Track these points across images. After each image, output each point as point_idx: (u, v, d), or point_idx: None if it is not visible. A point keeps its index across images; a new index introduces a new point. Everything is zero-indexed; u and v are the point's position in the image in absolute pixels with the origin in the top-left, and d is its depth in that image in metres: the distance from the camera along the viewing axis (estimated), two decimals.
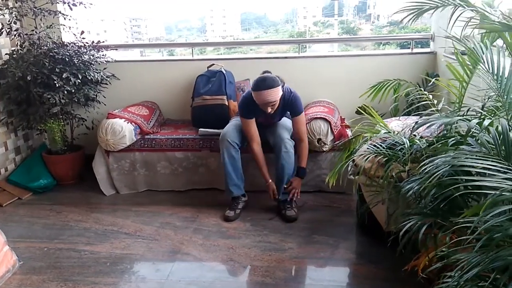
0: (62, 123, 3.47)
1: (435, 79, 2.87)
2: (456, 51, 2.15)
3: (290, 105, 2.86)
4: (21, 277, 2.33)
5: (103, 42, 3.53)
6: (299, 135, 2.96)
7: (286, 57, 3.75)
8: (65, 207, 3.18)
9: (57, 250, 2.60)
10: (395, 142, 2.03)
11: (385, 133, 2.08)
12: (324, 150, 3.09)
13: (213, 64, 3.58)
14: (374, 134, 2.16)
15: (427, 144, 1.80)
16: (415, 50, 3.57)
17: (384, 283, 2.20)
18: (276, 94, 2.71)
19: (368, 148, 2.17)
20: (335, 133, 3.08)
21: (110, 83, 3.57)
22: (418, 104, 2.96)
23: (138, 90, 3.81)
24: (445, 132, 1.94)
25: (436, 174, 1.42)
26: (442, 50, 3.34)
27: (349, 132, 3.19)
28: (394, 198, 2.23)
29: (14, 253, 2.44)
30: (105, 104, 3.66)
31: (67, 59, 3.24)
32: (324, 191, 3.21)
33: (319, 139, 3.05)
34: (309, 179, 3.18)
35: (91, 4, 3.36)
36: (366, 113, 3.36)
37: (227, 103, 3.37)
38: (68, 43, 3.39)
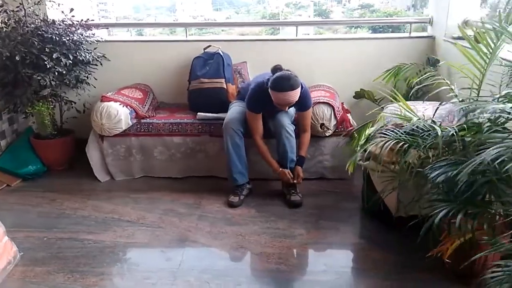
0: (52, 106, 3.30)
1: (444, 63, 2.86)
2: (466, 36, 2.13)
3: (301, 100, 2.77)
4: (24, 269, 2.23)
5: (89, 20, 3.33)
6: (303, 127, 2.93)
7: (284, 40, 3.67)
8: (59, 194, 3.05)
9: (58, 239, 2.50)
10: (416, 128, 2.02)
11: (417, 120, 2.05)
12: (327, 135, 3.07)
13: (210, 46, 3.47)
14: (405, 121, 2.14)
15: (457, 130, 1.78)
16: (413, 34, 3.57)
17: (399, 268, 2.21)
18: (297, 95, 2.64)
19: (384, 134, 2.16)
20: (338, 118, 3.06)
21: (101, 64, 3.40)
22: (417, 88, 2.97)
23: (130, 71, 3.66)
24: (468, 118, 1.94)
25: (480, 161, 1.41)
26: (441, 35, 3.35)
27: (349, 117, 3.18)
28: (408, 184, 2.24)
29: (14, 243, 2.32)
30: (94, 86, 3.48)
31: (56, 38, 3.06)
32: (325, 178, 3.21)
33: (322, 124, 3.03)
34: (311, 165, 3.16)
35: None
36: (366, 97, 3.38)
37: (225, 87, 3.28)
38: (57, 21, 3.19)
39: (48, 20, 3.19)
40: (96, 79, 3.45)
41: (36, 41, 2.97)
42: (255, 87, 2.81)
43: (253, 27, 4.51)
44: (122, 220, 2.70)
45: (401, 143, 2.00)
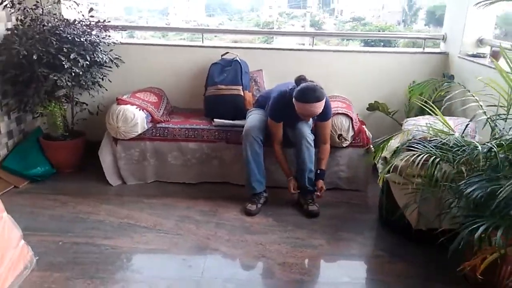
0: (65, 107, 3.24)
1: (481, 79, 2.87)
2: (497, 64, 2.14)
3: (324, 111, 2.75)
4: (41, 274, 2.16)
5: (106, 21, 3.29)
6: (324, 137, 2.93)
7: (300, 49, 3.68)
8: (71, 197, 2.98)
9: (74, 244, 2.44)
10: (446, 142, 2.03)
11: (450, 134, 2.05)
12: (344, 146, 3.07)
13: (227, 53, 3.46)
14: (439, 134, 2.14)
15: (495, 146, 1.79)
16: (426, 50, 3.60)
17: (422, 281, 2.21)
18: (322, 107, 2.65)
19: (412, 147, 2.17)
20: (355, 129, 3.06)
21: (118, 65, 3.35)
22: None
23: (143, 75, 3.62)
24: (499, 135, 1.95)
25: None
26: (455, 51, 3.39)
27: (365, 129, 3.18)
28: (430, 198, 2.25)
29: (29, 247, 2.26)
30: (106, 89, 3.44)
31: (75, 39, 3.01)
32: (340, 188, 3.20)
33: (340, 135, 3.02)
34: (326, 175, 3.14)
35: None
36: (380, 109, 3.39)
37: (242, 94, 3.27)
38: (75, 21, 3.15)
39: (67, 19, 3.14)
40: (110, 81, 3.40)
41: (54, 40, 2.92)
42: (278, 96, 2.80)
43: (246, 35, 4.45)
44: (139, 226, 2.65)
45: (433, 157, 2.00)
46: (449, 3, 3.54)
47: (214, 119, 3.21)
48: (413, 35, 4.11)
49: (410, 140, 2.27)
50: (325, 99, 2.67)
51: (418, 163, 1.96)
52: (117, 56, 3.37)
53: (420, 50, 3.62)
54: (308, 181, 2.87)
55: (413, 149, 2.13)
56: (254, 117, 2.97)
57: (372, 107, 3.53)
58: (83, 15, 3.19)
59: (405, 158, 2.09)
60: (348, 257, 2.43)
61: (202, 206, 2.91)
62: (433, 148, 2.07)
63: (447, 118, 2.69)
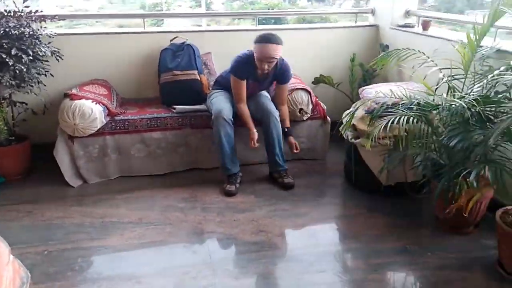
0: (7, 109, 2.94)
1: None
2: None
3: (282, 73, 2.96)
4: (43, 287, 2.02)
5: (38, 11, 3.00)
6: (282, 100, 3.09)
7: (246, 30, 3.72)
8: (33, 205, 2.75)
9: (61, 251, 2.29)
10: (420, 103, 2.28)
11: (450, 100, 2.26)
12: (304, 119, 3.25)
13: (176, 37, 3.40)
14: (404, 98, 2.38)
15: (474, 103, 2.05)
16: (358, 23, 3.90)
17: (407, 228, 2.48)
18: (279, 52, 2.82)
19: (388, 113, 2.38)
20: (313, 102, 3.25)
21: (58, 59, 3.08)
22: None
23: (83, 67, 3.38)
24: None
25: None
26: (385, 24, 3.72)
27: (319, 101, 3.39)
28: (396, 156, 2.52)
29: (19, 261, 2.07)
30: (45, 85, 3.16)
31: (13, 32, 2.73)
32: (302, 159, 3.38)
33: (301, 109, 3.19)
34: (287, 148, 3.31)
35: None
36: (326, 82, 3.64)
37: (199, 78, 3.25)
38: (6, 12, 2.84)
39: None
40: (52, 75, 3.13)
41: None
42: (241, 55, 2.93)
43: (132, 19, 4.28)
44: (123, 222, 2.56)
45: (411, 118, 2.24)
46: None
47: (174, 106, 3.16)
48: (344, 10, 4.39)
49: (383, 106, 2.49)
50: (282, 60, 2.92)
51: (402, 125, 2.18)
52: (56, 49, 3.10)
53: (353, 24, 3.90)
54: (280, 156, 3.01)
55: (389, 113, 2.35)
56: (220, 99, 3.00)
57: (318, 80, 3.75)
58: (16, 6, 2.88)
59: (383, 123, 2.29)
60: (337, 220, 2.64)
61: (180, 194, 2.89)
62: (408, 111, 2.31)
63: (397, 83, 3.01)
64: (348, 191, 2.97)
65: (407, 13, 3.62)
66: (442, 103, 2.12)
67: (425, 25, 3.30)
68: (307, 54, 3.76)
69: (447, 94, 2.42)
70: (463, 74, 2.34)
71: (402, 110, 2.32)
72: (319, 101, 3.36)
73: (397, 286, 2.09)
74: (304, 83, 3.37)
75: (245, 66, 2.89)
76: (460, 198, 2.11)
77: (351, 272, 2.16)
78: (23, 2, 2.88)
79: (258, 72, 2.91)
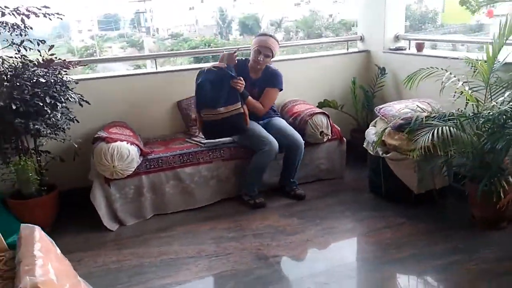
0: (38, 158, 2.87)
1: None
2: None
3: (272, 76, 3.25)
4: None
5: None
6: (265, 104, 3.26)
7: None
8: (79, 253, 2.67)
9: None
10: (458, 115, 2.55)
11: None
12: (325, 141, 3.44)
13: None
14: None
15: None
16: (350, 50, 4.22)
17: (448, 231, 2.70)
18: (275, 47, 3.17)
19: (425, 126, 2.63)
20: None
21: (86, 104, 3.05)
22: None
23: (101, 111, 3.37)
24: None
25: None
26: (376, 48, 4.06)
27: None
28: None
29: None
30: (64, 130, 3.09)
31: (47, 80, 2.72)
32: (321, 179, 3.54)
33: (322, 132, 3.38)
34: (309, 169, 3.48)
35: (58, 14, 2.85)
36: (331, 106, 3.89)
37: (243, 110, 3.10)
38: (32, 60, 2.82)
39: (25, 60, 2.79)
40: (78, 121, 3.09)
41: (29, 85, 2.59)
42: (239, 58, 3.25)
43: None
44: (183, 258, 2.57)
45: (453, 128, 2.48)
46: (362, 12, 4.21)
47: (203, 141, 3.23)
48: (335, 39, 4.72)
49: (417, 119, 2.72)
50: (278, 47, 3.25)
51: (446, 136, 2.42)
52: (80, 95, 3.09)
53: (345, 51, 4.22)
54: (294, 176, 3.29)
55: (424, 126, 2.60)
56: (261, 129, 3.20)
57: (322, 104, 3.97)
58: (41, 54, 2.86)
59: (428, 134, 2.51)
60: (383, 229, 2.78)
61: (224, 224, 2.94)
62: (443, 122, 2.56)
63: (411, 100, 3.29)
64: (381, 204, 3.12)
65: (397, 37, 3.98)
66: (480, 111, 2.40)
67: (419, 47, 3.65)
68: (309, 81, 3.99)
69: (465, 105, 2.72)
70: (482, 86, 2.64)
71: (438, 122, 2.57)
72: (333, 124, 3.58)
73: (473, 281, 2.25)
74: (316, 108, 3.58)
75: (240, 66, 3.16)
76: (507, 194, 2.35)
77: (422, 275, 2.33)
78: (48, 50, 2.86)
79: (250, 76, 3.19)
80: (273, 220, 2.97)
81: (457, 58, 2.99)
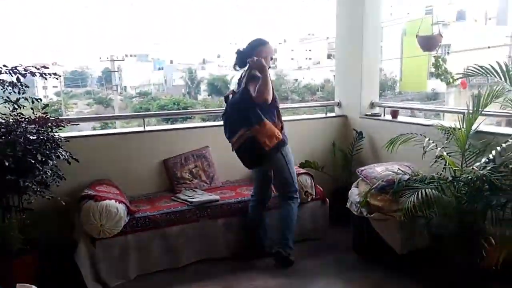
0: (23, 216, 2.79)
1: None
2: None
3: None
4: None
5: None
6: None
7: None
8: None
9: None
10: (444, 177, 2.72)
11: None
12: (309, 200, 3.53)
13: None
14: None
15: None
16: (328, 115, 4.46)
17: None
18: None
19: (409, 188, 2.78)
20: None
21: (75, 161, 3.04)
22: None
23: (85, 168, 3.33)
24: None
25: None
26: (352, 113, 4.31)
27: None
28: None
29: None
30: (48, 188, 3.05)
31: (40, 138, 2.72)
32: (306, 239, 3.57)
33: (306, 191, 3.49)
34: (295, 229, 3.52)
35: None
36: (312, 167, 4.03)
37: (251, 134, 3.03)
38: (24, 116, 2.83)
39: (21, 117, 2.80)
40: (65, 179, 3.04)
41: (22, 142, 2.59)
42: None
43: None
44: None
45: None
46: (339, 79, 4.51)
47: (190, 200, 3.25)
48: (313, 104, 4.97)
49: (400, 182, 2.87)
50: None
51: (430, 198, 2.57)
52: (69, 153, 3.07)
53: (323, 115, 4.45)
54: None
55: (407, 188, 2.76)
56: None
57: (304, 165, 4.11)
58: (34, 112, 2.88)
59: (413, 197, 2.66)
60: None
61: (213, 286, 2.90)
62: (425, 185, 2.73)
63: (390, 163, 3.47)
64: (368, 263, 3.20)
65: (372, 104, 4.25)
66: (459, 175, 2.58)
67: (394, 114, 3.92)
68: (291, 143, 4.13)
69: (443, 169, 2.92)
70: (458, 152, 2.86)
71: (419, 184, 2.73)
72: (316, 184, 3.70)
73: None
74: (301, 168, 3.71)
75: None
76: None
77: None
78: (42, 109, 2.89)
79: None
80: (263, 280, 2.96)
81: (432, 125, 3.23)
